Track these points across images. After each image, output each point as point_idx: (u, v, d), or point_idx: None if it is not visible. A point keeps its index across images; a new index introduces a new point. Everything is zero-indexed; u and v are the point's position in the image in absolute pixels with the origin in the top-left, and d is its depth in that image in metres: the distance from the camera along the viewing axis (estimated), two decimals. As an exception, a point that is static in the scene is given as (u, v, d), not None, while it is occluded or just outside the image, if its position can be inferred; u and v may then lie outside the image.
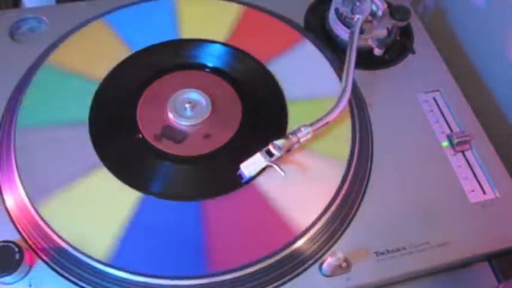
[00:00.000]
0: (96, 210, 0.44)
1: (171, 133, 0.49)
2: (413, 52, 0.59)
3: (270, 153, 0.46)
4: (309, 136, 0.47)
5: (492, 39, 0.62)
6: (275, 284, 0.43)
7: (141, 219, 0.44)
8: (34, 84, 0.50)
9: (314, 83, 0.54)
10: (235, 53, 0.55)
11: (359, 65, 0.53)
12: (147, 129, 0.49)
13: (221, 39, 0.56)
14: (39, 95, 0.50)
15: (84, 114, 0.49)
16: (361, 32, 0.54)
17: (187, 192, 0.46)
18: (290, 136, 0.46)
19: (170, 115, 0.50)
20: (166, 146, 0.48)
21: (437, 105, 0.55)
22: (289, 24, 0.58)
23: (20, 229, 0.44)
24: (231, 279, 0.42)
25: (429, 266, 0.45)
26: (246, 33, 0.57)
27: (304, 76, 0.54)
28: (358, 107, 0.52)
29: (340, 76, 0.53)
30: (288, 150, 0.46)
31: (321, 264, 0.43)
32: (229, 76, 0.54)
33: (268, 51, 0.55)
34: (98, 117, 0.49)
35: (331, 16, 0.58)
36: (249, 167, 0.46)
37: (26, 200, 0.44)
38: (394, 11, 0.56)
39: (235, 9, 0.58)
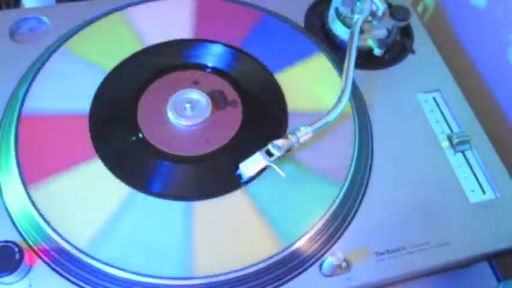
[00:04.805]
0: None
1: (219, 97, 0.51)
2: (413, 52, 0.59)
3: (269, 153, 0.46)
4: (309, 136, 0.47)
5: (492, 39, 0.62)
6: (275, 284, 0.43)
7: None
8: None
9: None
10: (236, 53, 0.55)
11: (359, 65, 0.53)
12: (147, 129, 0.49)
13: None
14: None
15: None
16: (361, 32, 0.54)
17: (187, 192, 0.46)
18: (290, 136, 0.46)
19: (170, 115, 0.50)
20: (166, 146, 0.49)
21: (437, 105, 0.55)
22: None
23: (20, 229, 0.44)
24: (231, 279, 0.42)
25: (429, 266, 0.45)
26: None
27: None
28: (358, 107, 0.52)
29: (341, 74, 0.53)
30: (288, 150, 0.46)
31: (321, 264, 0.43)
32: (229, 76, 0.54)
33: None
34: (98, 116, 0.50)
35: (331, 16, 0.58)
36: (248, 166, 0.46)
37: (26, 200, 0.44)
38: (394, 11, 0.56)
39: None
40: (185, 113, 0.50)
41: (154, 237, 0.43)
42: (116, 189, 0.45)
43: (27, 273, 0.41)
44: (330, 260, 0.42)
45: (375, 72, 0.57)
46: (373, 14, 0.55)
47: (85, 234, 0.43)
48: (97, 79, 0.52)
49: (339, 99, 0.48)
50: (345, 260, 0.43)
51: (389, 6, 0.56)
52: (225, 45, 0.55)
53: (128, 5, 0.57)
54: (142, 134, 0.49)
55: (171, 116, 0.50)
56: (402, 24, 0.57)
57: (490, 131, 0.54)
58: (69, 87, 0.51)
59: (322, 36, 0.59)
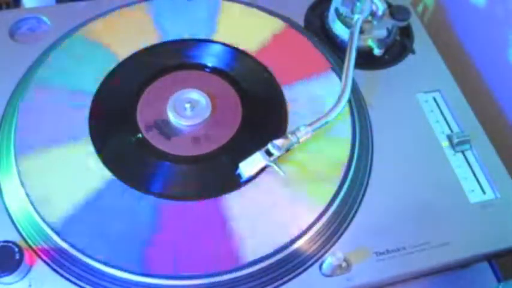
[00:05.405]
0: (67, 179, 0.45)
1: (163, 127, 0.49)
2: (413, 52, 0.59)
3: (269, 153, 0.46)
4: (309, 136, 0.47)
5: (492, 39, 0.62)
6: (275, 284, 0.43)
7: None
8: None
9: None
10: (236, 53, 0.55)
11: (359, 65, 0.53)
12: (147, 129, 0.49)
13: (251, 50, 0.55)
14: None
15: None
16: (361, 32, 0.54)
17: (188, 192, 0.46)
18: (289, 136, 0.46)
19: (170, 115, 0.50)
20: (166, 146, 0.49)
21: (437, 105, 0.55)
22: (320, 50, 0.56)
23: (20, 229, 0.44)
24: (231, 279, 0.42)
25: (429, 266, 0.45)
26: (276, 50, 0.55)
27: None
28: (358, 107, 0.52)
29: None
30: (288, 150, 0.46)
31: (321, 264, 0.43)
32: (229, 76, 0.54)
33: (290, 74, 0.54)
34: (98, 116, 0.49)
35: (331, 16, 0.58)
36: (248, 166, 0.46)
37: (27, 201, 0.44)
38: (394, 11, 0.56)
39: (275, 24, 0.57)
40: (185, 113, 0.50)
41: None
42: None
43: (27, 273, 0.41)
44: (330, 260, 0.42)
45: (375, 72, 0.57)
46: (373, 14, 0.55)
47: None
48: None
49: (339, 99, 0.48)
50: (345, 260, 0.43)
51: (389, 6, 0.56)
52: (224, 45, 0.56)
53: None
54: (142, 133, 0.49)
55: (171, 116, 0.50)
56: (402, 24, 0.57)
57: (490, 131, 0.54)
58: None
59: (322, 36, 0.59)
